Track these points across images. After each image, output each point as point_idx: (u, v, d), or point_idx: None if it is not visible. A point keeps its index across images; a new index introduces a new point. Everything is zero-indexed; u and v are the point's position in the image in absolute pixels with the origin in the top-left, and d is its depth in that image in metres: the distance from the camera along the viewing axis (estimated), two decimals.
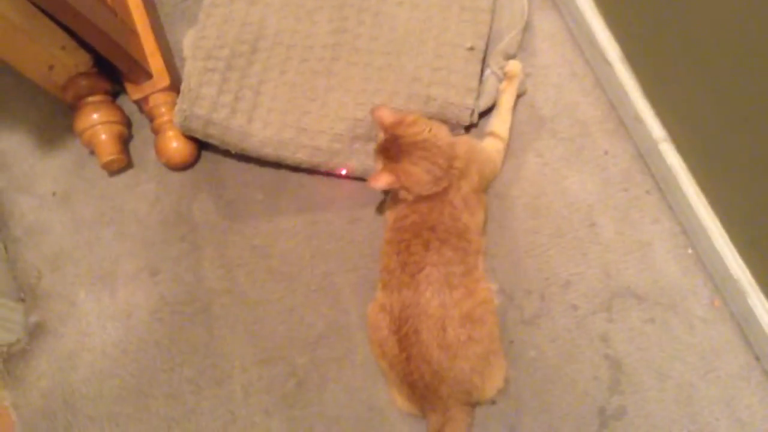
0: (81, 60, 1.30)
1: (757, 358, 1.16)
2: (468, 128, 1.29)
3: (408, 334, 1.06)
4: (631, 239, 1.24)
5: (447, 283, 1.07)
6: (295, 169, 1.31)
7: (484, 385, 1.09)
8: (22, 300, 1.33)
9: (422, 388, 1.06)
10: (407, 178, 1.09)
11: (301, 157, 1.27)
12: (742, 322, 1.17)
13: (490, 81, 1.30)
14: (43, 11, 1.16)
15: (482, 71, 1.29)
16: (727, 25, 0.94)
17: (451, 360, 1.05)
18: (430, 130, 1.11)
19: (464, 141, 1.18)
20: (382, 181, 1.09)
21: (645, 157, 1.28)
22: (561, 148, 1.31)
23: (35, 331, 1.31)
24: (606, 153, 1.30)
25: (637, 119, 1.24)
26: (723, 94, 1.02)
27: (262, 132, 1.26)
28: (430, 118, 1.22)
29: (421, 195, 1.10)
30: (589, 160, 1.29)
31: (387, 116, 1.12)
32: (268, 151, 1.27)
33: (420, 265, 1.08)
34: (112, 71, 1.34)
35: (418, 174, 1.09)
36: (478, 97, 1.27)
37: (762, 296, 1.12)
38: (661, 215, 1.25)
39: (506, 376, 1.12)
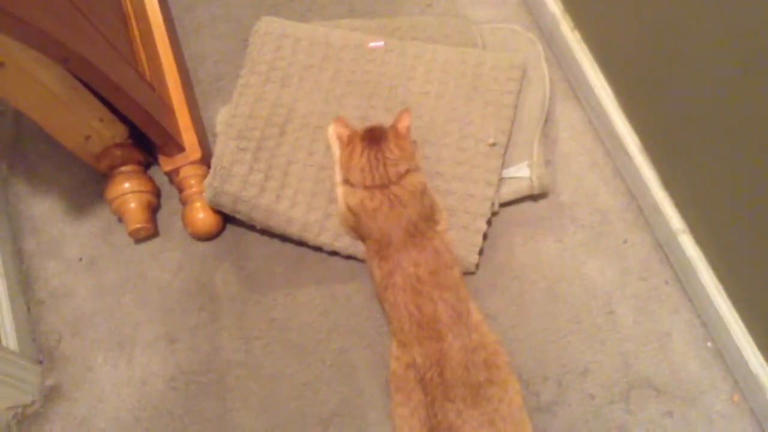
0: (117, 132, 1.35)
1: None
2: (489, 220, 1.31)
3: (432, 378, 1.07)
4: (649, 329, 1.24)
5: (465, 326, 1.10)
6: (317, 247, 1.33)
7: None
8: (40, 362, 1.34)
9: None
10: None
11: (323, 240, 1.30)
12: (762, 419, 1.15)
13: (522, 170, 1.33)
14: (84, 84, 1.22)
15: (503, 163, 1.33)
16: (746, 119, 0.97)
17: (473, 398, 1.05)
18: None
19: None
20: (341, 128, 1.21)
21: (664, 248, 1.29)
22: (580, 235, 1.32)
23: (50, 395, 1.31)
24: (625, 242, 1.31)
25: (657, 210, 1.26)
26: (742, 187, 1.04)
27: (289, 212, 1.29)
28: (450, 209, 1.28)
29: (362, 184, 1.18)
30: (608, 248, 1.31)
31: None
32: (293, 231, 1.30)
33: (436, 318, 1.10)
34: (146, 143, 1.39)
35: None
36: (498, 189, 1.31)
37: None
38: (680, 306, 1.25)
39: None
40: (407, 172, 1.18)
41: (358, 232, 1.25)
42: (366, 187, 1.18)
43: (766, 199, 0.99)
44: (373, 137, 1.20)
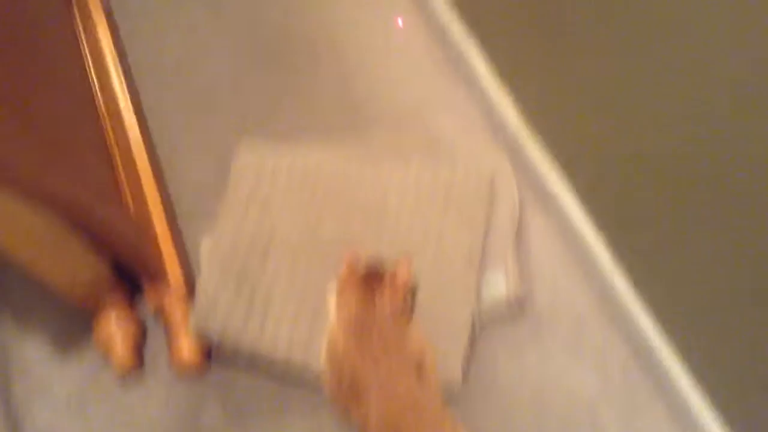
0: (102, 272, 1.37)
1: None
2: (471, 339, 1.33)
3: None
4: None
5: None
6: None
7: None
8: None
9: None
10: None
11: (308, 360, 1.30)
12: None
13: (499, 284, 1.37)
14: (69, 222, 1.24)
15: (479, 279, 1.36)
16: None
17: None
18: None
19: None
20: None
21: (641, 352, 1.31)
22: (560, 342, 1.35)
23: None
24: (603, 345, 1.34)
25: (628, 319, 1.29)
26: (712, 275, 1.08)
27: (273, 345, 1.31)
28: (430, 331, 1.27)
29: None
30: (587, 353, 1.33)
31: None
32: (278, 357, 1.31)
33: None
34: (131, 275, 1.41)
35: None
36: (477, 306, 1.34)
37: None
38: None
39: None
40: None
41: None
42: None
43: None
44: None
